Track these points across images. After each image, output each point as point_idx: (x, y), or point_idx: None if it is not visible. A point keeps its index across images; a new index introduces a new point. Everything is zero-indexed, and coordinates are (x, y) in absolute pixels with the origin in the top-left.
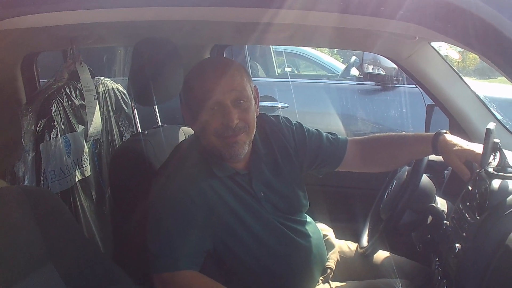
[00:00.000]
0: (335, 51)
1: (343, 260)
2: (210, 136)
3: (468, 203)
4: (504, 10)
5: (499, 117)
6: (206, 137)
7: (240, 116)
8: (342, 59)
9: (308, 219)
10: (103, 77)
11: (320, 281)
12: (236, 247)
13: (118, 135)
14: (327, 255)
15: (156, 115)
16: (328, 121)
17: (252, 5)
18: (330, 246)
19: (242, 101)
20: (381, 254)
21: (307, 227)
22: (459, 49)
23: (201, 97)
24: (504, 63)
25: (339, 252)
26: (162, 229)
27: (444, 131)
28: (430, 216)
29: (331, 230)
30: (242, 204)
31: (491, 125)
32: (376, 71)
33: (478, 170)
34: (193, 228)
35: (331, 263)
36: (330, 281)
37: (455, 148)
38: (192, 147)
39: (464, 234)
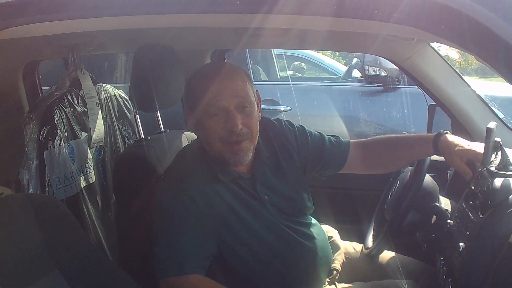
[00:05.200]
0: (337, 54)
1: (349, 261)
2: (215, 141)
3: (471, 202)
4: (498, 11)
5: (501, 115)
6: (210, 143)
7: (244, 122)
8: (344, 61)
9: (313, 221)
10: (105, 84)
11: (327, 283)
12: (241, 251)
13: (121, 141)
14: (333, 256)
15: (159, 120)
16: (330, 123)
17: (252, 11)
18: (335, 247)
19: (246, 107)
20: (386, 255)
21: (312, 229)
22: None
23: (205, 102)
24: (498, 64)
25: (344, 253)
26: (167, 234)
27: (445, 131)
28: (434, 216)
29: (336, 231)
30: (247, 208)
31: (492, 124)
32: (378, 73)
33: (480, 169)
34: (198, 232)
35: (337, 265)
36: (336, 283)
37: (456, 148)
38: (195, 152)
39: (468, 232)
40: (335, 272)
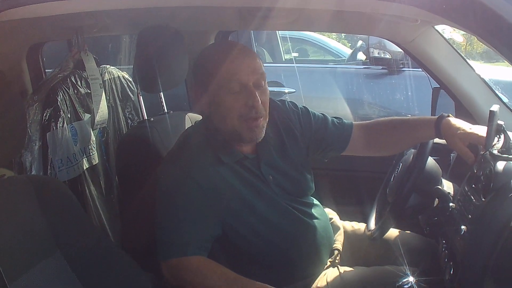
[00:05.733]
0: (343, 36)
1: (349, 241)
2: (233, 118)
3: (473, 185)
4: None
5: (505, 99)
6: (227, 120)
7: (261, 99)
8: (350, 44)
9: (315, 201)
10: (109, 66)
11: (329, 263)
12: (245, 231)
13: (124, 122)
14: (334, 237)
15: (162, 102)
16: (334, 105)
17: None
18: (335, 228)
19: (262, 84)
20: (389, 237)
21: (314, 210)
22: (462, 32)
23: (223, 79)
24: (501, 46)
25: (344, 232)
26: (169, 216)
27: (447, 114)
28: (437, 199)
29: (335, 213)
30: (251, 189)
31: (495, 107)
32: (382, 55)
33: (482, 153)
34: (201, 214)
35: (338, 245)
36: (338, 266)
37: (459, 131)
38: (199, 134)
39: (470, 216)
40: (336, 252)
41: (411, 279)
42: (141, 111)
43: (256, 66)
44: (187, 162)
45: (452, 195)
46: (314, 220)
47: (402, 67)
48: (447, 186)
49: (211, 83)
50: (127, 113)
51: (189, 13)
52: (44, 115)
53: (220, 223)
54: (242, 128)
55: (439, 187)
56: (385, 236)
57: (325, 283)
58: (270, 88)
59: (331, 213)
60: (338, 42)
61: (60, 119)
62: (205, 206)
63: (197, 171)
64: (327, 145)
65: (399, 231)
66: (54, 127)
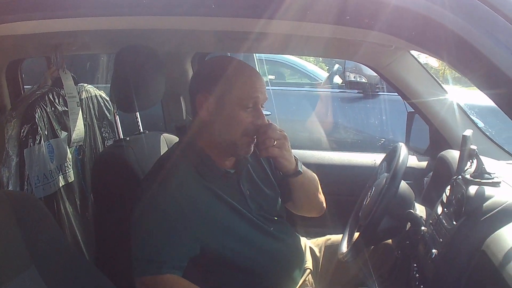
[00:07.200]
0: (321, 60)
1: (322, 262)
2: (237, 133)
3: (445, 209)
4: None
5: (480, 124)
6: (231, 133)
7: None
8: (327, 67)
9: (285, 222)
10: (86, 84)
11: (301, 282)
12: (224, 250)
13: (100, 141)
14: (305, 257)
15: (138, 121)
16: (310, 128)
17: (229, 14)
18: (305, 248)
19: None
20: (361, 260)
21: (285, 228)
22: None
23: (242, 94)
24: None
25: (316, 254)
26: (146, 234)
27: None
28: (409, 223)
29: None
30: (228, 205)
31: (468, 132)
32: (358, 79)
33: (455, 177)
34: (181, 235)
35: (309, 264)
36: (312, 287)
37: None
38: (179, 154)
39: (441, 239)
40: (308, 271)
41: None
42: (117, 130)
43: (264, 86)
44: (167, 182)
45: (424, 219)
46: (287, 237)
47: (378, 91)
48: (420, 209)
49: (227, 95)
50: (103, 132)
51: (167, 34)
52: (22, 131)
53: (198, 243)
54: (243, 143)
55: (411, 210)
56: (356, 264)
57: None
58: None
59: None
60: (316, 65)
61: (37, 136)
62: (186, 227)
63: (179, 193)
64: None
65: (368, 259)
66: (32, 144)
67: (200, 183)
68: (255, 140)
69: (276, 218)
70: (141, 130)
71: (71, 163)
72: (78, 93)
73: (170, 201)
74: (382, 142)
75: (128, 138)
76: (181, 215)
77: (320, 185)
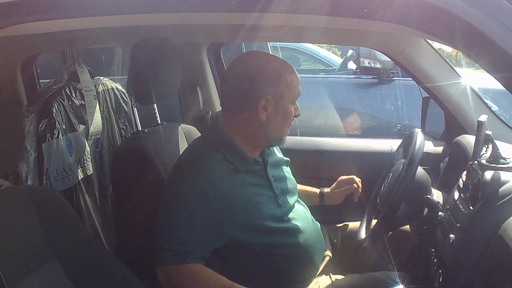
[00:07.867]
0: (333, 45)
1: (341, 249)
2: (286, 124)
3: (462, 195)
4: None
5: (494, 108)
6: (281, 125)
7: None
8: (340, 52)
9: (306, 208)
10: (102, 77)
11: (321, 269)
12: (248, 237)
13: (118, 133)
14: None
15: (156, 113)
16: (325, 115)
17: (247, 10)
18: (324, 233)
19: None
20: (379, 246)
21: (307, 215)
22: None
23: (297, 92)
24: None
25: (336, 240)
26: (173, 225)
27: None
28: (426, 208)
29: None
30: (258, 194)
31: (483, 117)
32: (372, 65)
33: (471, 162)
34: (206, 226)
35: (328, 252)
36: (331, 274)
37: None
38: (208, 146)
39: (458, 225)
40: (327, 258)
41: (401, 286)
42: (135, 122)
43: None
44: (197, 173)
45: (441, 204)
46: (307, 226)
47: (392, 77)
48: (437, 195)
49: (286, 95)
50: (121, 124)
51: (181, 28)
52: (40, 126)
53: (224, 235)
54: (285, 133)
55: (429, 196)
56: (375, 250)
57: None
58: None
59: None
60: (328, 51)
61: (55, 130)
62: (211, 218)
63: (207, 182)
64: None
65: (388, 245)
66: (50, 138)
67: (231, 175)
68: None
69: (297, 200)
70: (159, 122)
71: (89, 156)
72: (95, 86)
73: (199, 193)
74: (398, 127)
75: (146, 130)
76: (209, 207)
77: (337, 171)
